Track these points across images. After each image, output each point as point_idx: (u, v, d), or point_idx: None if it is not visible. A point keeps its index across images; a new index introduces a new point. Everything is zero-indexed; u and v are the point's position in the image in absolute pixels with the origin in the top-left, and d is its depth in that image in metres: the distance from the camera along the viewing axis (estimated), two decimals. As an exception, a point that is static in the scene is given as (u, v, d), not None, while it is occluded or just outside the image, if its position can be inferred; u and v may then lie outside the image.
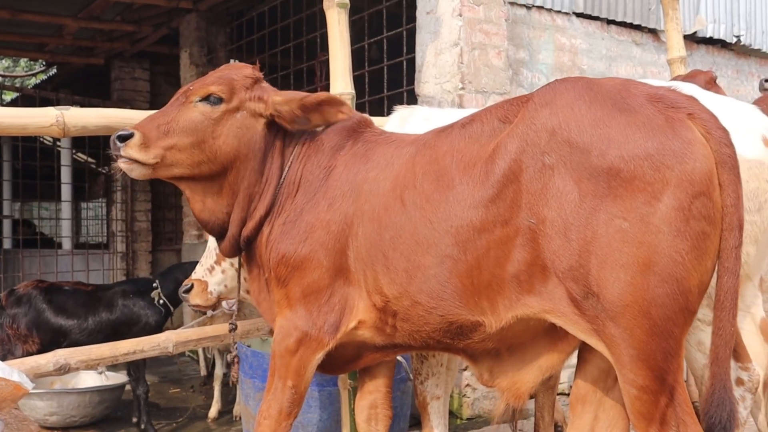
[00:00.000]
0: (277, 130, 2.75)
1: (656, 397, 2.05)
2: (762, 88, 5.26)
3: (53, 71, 11.93)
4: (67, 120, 2.96)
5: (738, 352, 2.63)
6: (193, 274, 3.59)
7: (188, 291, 3.75)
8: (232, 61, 8.83)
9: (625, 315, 2.00)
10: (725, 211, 2.01)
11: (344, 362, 2.83)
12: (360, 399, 3.08)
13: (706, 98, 2.68)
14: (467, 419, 4.78)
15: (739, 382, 2.64)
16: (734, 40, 7.12)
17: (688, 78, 3.79)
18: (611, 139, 2.02)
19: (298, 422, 4.31)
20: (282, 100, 2.67)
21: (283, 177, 2.72)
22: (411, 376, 3.37)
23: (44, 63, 12.04)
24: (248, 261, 2.87)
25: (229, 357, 3.34)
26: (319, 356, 2.61)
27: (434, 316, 2.38)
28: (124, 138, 2.55)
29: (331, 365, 2.80)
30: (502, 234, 2.19)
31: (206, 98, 2.64)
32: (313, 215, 2.60)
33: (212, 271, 3.56)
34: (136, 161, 2.57)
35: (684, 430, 2.07)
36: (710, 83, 3.71)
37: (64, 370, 2.99)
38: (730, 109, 2.70)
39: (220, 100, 2.64)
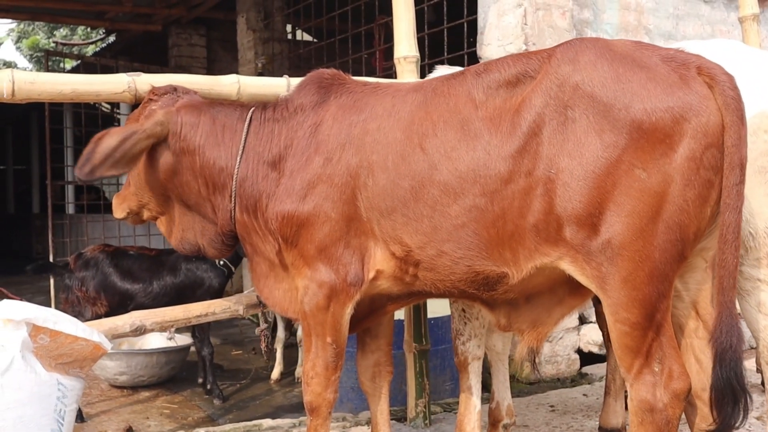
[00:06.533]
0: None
1: (645, 332, 2.20)
2: None
3: (111, 39, 12.10)
4: (138, 86, 3.01)
5: None
6: None
7: None
8: (288, 27, 8.79)
9: (632, 259, 2.14)
10: (727, 151, 2.11)
11: (358, 318, 2.77)
12: (362, 359, 3.08)
13: (746, 51, 2.78)
14: (530, 383, 4.77)
15: None
16: (810, -5, 6.80)
17: None
18: (634, 94, 2.14)
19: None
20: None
21: (240, 157, 2.74)
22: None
23: (103, 31, 12.20)
24: (247, 253, 2.90)
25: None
26: (350, 309, 2.61)
27: (461, 266, 2.41)
28: None
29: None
30: (525, 184, 2.27)
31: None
32: (310, 172, 2.57)
33: None
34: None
35: (667, 362, 2.21)
36: None
37: (140, 331, 3.08)
38: None
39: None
